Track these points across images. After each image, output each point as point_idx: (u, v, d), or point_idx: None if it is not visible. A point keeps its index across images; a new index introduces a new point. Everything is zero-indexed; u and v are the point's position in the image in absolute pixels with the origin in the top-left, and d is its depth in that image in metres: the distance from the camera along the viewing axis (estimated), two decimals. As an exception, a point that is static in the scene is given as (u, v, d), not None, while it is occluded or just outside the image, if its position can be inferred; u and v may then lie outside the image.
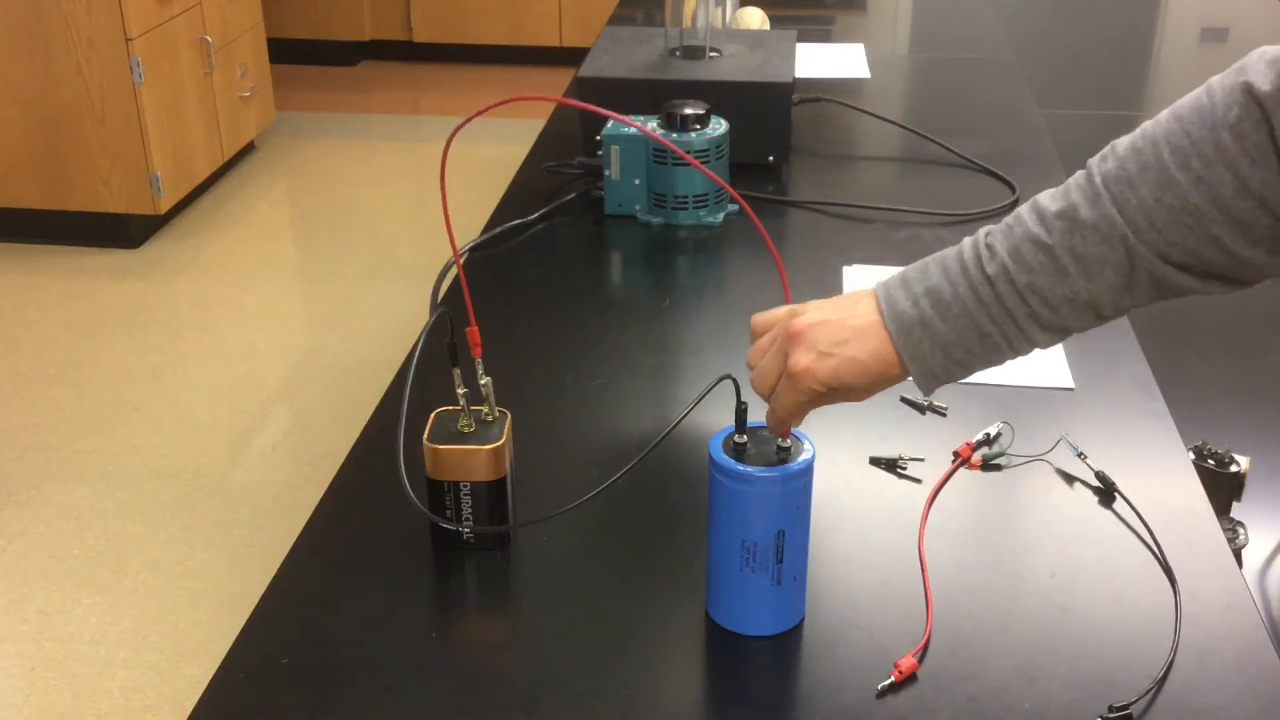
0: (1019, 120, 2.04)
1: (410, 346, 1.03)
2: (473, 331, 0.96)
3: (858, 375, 0.85)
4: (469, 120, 0.91)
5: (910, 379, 0.86)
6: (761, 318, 0.91)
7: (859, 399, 0.87)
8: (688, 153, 1.58)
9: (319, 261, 3.67)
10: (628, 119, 0.95)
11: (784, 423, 0.88)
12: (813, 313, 0.86)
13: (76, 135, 3.53)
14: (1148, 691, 0.87)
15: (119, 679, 2.14)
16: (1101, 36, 3.20)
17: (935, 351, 0.84)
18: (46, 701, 2.09)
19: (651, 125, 1.60)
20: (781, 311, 0.90)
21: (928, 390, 0.86)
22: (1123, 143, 0.81)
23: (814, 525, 0.94)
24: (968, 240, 0.85)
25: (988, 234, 0.84)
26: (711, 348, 1.34)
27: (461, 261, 1.53)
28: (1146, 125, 0.82)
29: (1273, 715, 0.85)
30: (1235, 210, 0.77)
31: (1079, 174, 0.83)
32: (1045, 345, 0.84)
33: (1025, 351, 0.85)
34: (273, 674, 0.89)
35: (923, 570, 0.99)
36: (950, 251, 0.86)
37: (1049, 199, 0.82)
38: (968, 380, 1.25)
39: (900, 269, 0.87)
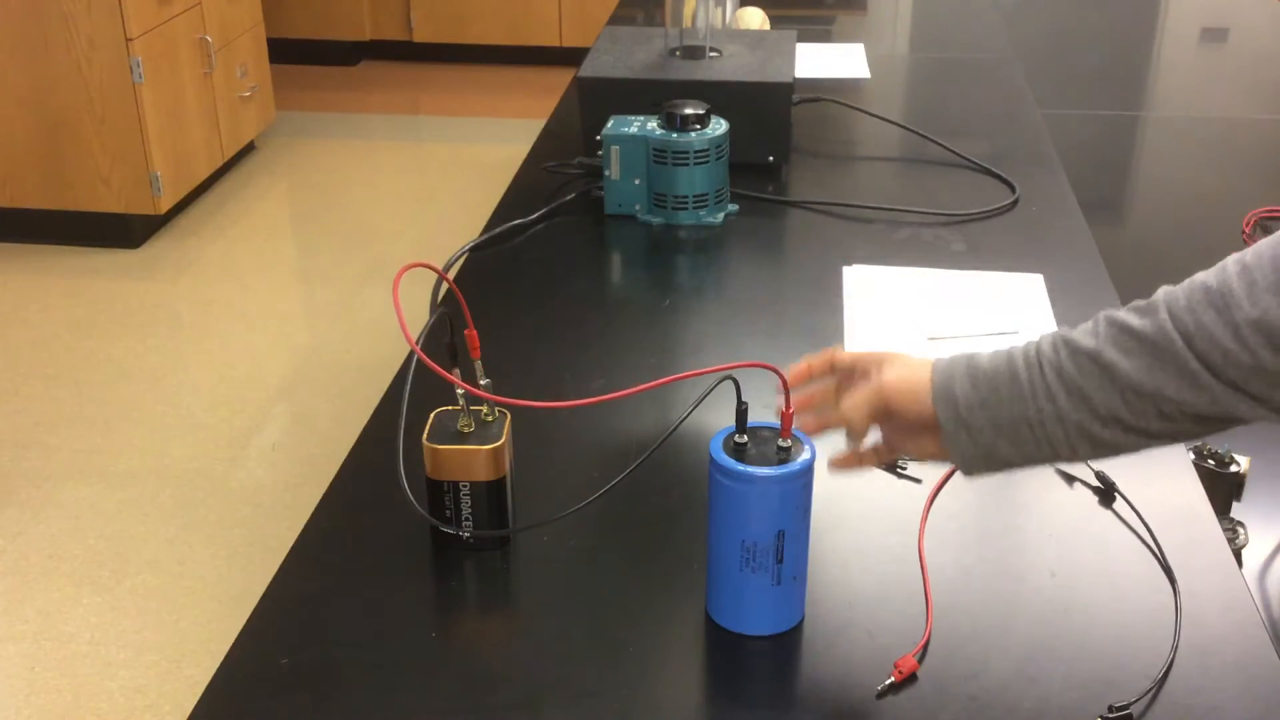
0: (1019, 120, 2.04)
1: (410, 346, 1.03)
2: (471, 335, 0.96)
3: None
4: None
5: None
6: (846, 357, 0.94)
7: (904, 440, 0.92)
8: (687, 153, 1.58)
9: (319, 261, 3.67)
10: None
11: (853, 424, 0.91)
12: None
13: (76, 135, 3.53)
14: (1148, 691, 0.87)
15: (119, 679, 2.14)
16: (1101, 36, 3.20)
17: (967, 382, 0.85)
18: (46, 701, 2.09)
19: (651, 125, 1.60)
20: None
21: (965, 464, 0.88)
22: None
23: (814, 525, 0.94)
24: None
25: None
26: (711, 348, 1.34)
27: (461, 261, 1.53)
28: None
29: (1273, 715, 0.85)
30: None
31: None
32: (1091, 438, 0.82)
33: (1065, 441, 0.84)
34: (273, 674, 0.89)
35: (923, 570, 0.99)
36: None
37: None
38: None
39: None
